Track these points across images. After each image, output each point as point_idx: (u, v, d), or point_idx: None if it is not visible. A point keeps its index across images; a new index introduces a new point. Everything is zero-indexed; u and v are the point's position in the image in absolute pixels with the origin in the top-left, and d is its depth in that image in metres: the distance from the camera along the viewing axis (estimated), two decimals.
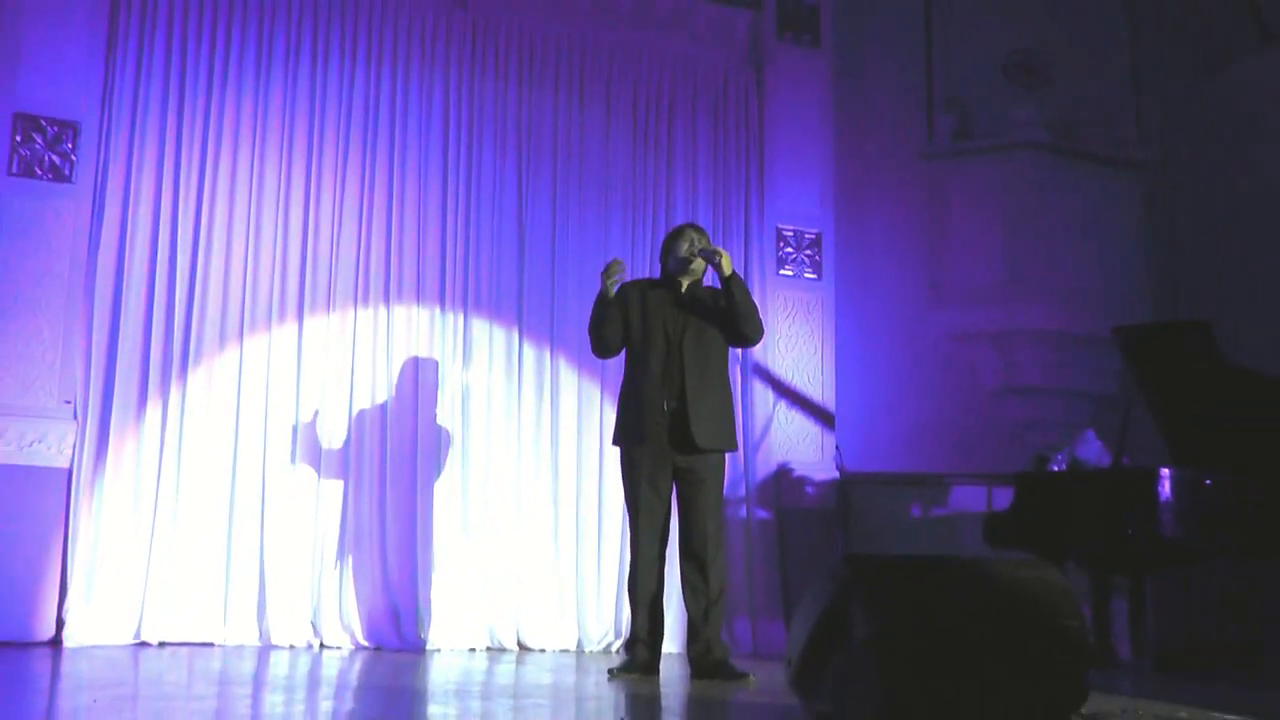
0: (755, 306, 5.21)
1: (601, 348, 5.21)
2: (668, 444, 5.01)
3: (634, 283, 5.33)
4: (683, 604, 5.18)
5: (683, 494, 5.09)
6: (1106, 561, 6.01)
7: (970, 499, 7.27)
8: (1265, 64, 8.29)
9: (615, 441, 5.22)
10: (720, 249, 5.15)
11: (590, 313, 5.17)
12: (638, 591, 5.03)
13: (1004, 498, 6.77)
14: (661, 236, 6.83)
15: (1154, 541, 5.54)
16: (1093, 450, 6.24)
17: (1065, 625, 3.07)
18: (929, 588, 3.11)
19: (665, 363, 5.05)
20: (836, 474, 7.23)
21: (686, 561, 5.05)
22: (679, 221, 7.01)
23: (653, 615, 5.04)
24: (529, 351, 6.72)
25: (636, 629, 5.04)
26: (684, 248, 5.18)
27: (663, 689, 4.58)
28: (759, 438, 7.07)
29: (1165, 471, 5.58)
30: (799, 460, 7.14)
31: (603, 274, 5.07)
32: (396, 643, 6.06)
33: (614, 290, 5.06)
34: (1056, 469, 6.16)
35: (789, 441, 7.16)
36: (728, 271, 5.07)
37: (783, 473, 7.09)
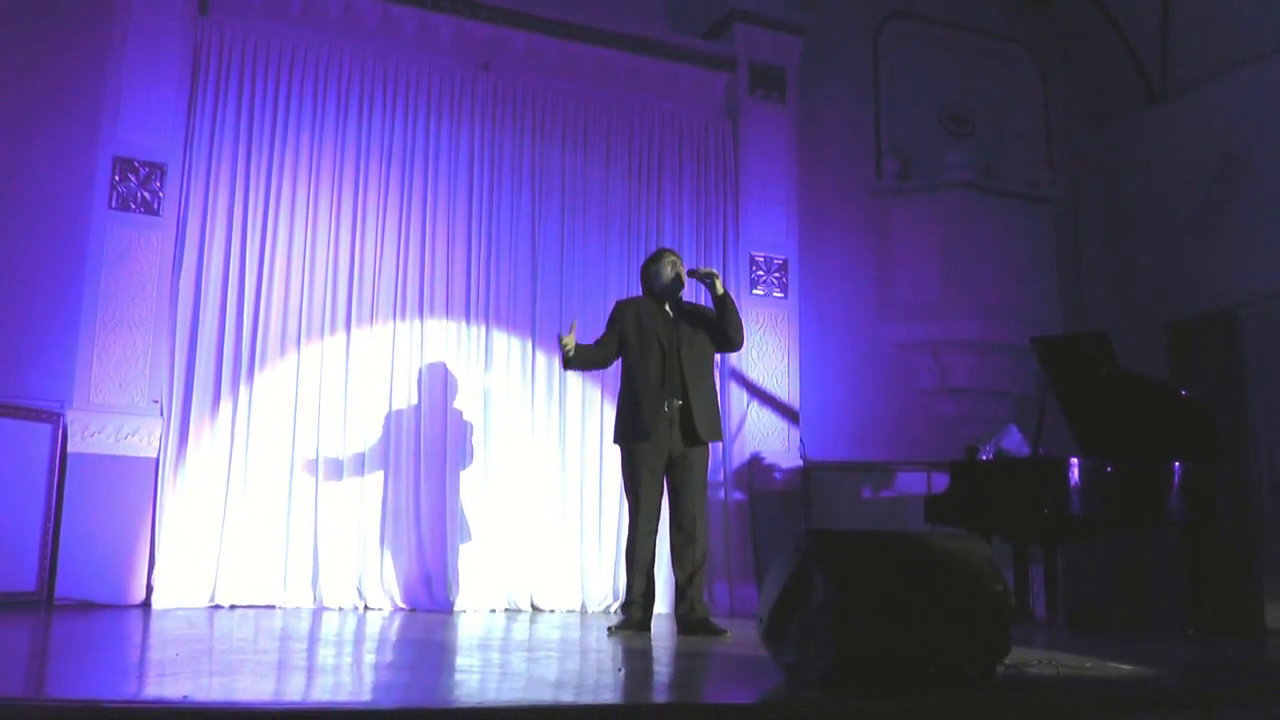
0: (740, 318, 5.26)
1: (598, 369, 5.35)
2: (668, 438, 5.03)
3: (629, 302, 5.32)
4: (670, 571, 5.21)
5: (675, 478, 5.07)
6: (1025, 535, 6.04)
7: (912, 483, 7.30)
8: (1152, 117, 8.37)
9: (616, 440, 5.18)
10: (713, 269, 5.17)
11: (561, 361, 5.21)
12: (635, 561, 5.03)
13: (941, 482, 6.81)
14: None
15: (1065, 518, 5.58)
16: (1014, 442, 6.25)
17: (991, 589, 3.09)
18: (877, 558, 3.12)
19: (663, 369, 5.06)
20: (800, 462, 7.24)
21: (676, 534, 5.04)
22: None
23: (646, 581, 5.06)
24: (541, 358, 6.73)
25: (633, 593, 5.04)
26: (668, 271, 5.20)
27: (654, 643, 4.59)
28: (735, 431, 7.08)
29: (1074, 460, 5.63)
30: (769, 450, 7.16)
31: (561, 345, 5.08)
32: (429, 605, 6.08)
33: (571, 353, 5.09)
34: (984, 458, 6.18)
35: (760, 434, 7.18)
36: (720, 291, 5.11)
37: (755, 461, 7.10)
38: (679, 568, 5.02)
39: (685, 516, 5.03)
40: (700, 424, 5.03)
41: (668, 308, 5.21)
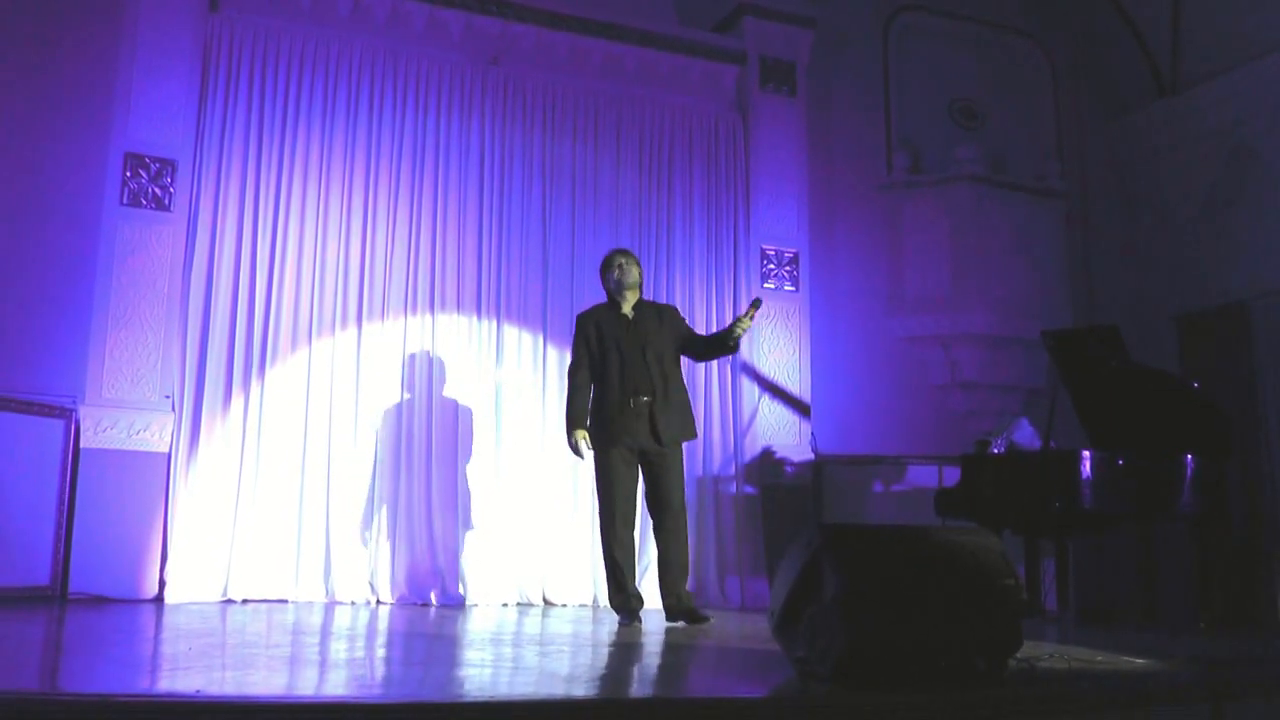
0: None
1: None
2: (638, 435, 5.07)
3: (589, 312, 5.35)
4: (655, 562, 5.25)
5: (652, 475, 5.14)
6: (1036, 529, 6.01)
7: (923, 477, 7.27)
8: (1162, 110, 8.32)
9: (590, 445, 5.19)
10: (748, 324, 5.14)
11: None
12: (624, 556, 5.11)
13: (952, 476, 6.78)
14: (663, 257, 6.86)
15: (1076, 512, 5.55)
16: (1025, 435, 6.23)
17: (1002, 583, 3.07)
18: (887, 553, 3.11)
19: (621, 372, 5.11)
20: (811, 456, 7.22)
21: (659, 531, 5.13)
22: (679, 243, 7.05)
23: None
24: (552, 352, 6.73)
25: (629, 586, 5.11)
26: (615, 274, 5.25)
27: (665, 637, 4.57)
28: (746, 425, 7.07)
29: (1085, 453, 5.60)
30: (780, 444, 7.14)
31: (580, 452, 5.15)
32: (441, 599, 6.08)
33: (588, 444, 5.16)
34: (995, 451, 6.16)
35: (772, 428, 7.15)
36: (736, 337, 5.19)
37: (766, 455, 7.08)
38: (676, 553, 5.08)
39: (666, 510, 5.11)
40: (665, 428, 5.08)
41: (628, 310, 5.22)
